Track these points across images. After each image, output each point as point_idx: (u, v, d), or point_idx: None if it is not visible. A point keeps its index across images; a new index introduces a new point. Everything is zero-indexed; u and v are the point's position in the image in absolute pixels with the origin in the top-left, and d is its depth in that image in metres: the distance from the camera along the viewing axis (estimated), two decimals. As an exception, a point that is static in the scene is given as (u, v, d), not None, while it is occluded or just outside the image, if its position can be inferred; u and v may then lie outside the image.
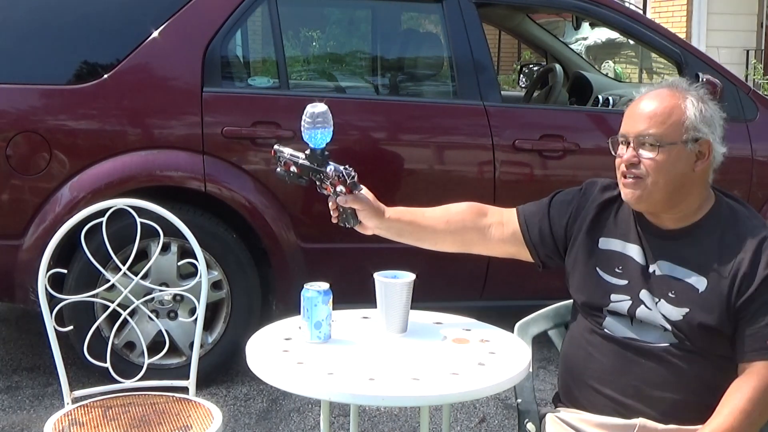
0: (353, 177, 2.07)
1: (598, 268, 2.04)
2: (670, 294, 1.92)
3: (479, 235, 2.19)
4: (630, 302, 1.97)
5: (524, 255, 2.19)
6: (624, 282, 1.99)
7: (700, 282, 1.90)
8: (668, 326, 1.92)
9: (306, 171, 2.08)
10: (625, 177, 1.96)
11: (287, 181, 2.12)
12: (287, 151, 2.10)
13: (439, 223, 2.18)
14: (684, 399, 1.92)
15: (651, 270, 1.97)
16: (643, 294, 1.96)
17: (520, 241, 2.17)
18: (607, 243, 2.04)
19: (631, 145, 1.94)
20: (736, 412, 1.81)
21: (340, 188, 2.07)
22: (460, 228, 2.18)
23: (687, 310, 1.90)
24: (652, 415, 1.93)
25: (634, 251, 2.00)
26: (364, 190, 2.11)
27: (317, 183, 2.10)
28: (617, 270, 2.01)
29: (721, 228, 1.94)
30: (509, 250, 2.20)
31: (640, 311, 1.96)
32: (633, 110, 1.97)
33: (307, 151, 2.07)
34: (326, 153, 2.06)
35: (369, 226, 2.13)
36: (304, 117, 2.04)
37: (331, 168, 2.06)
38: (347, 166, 2.08)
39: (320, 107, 2.04)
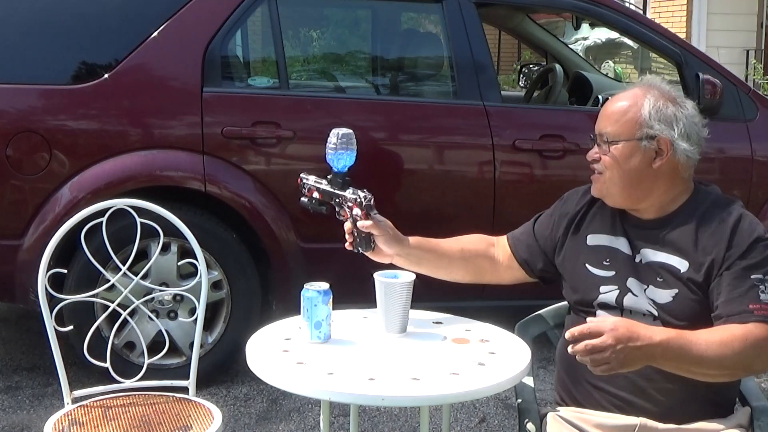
0: (369, 200, 2.10)
1: (587, 264, 2.09)
2: (658, 279, 1.98)
3: (490, 263, 2.26)
4: (617, 291, 2.02)
5: (527, 277, 2.26)
6: (611, 273, 2.05)
7: (682, 264, 1.97)
8: (655, 312, 1.96)
9: (327, 196, 2.13)
10: (593, 173, 2.09)
11: (310, 209, 2.17)
12: (312, 178, 2.16)
13: (455, 251, 2.23)
14: (677, 390, 1.95)
15: (637, 259, 2.03)
16: (630, 282, 2.01)
17: (515, 262, 2.24)
18: (595, 239, 2.11)
19: (596, 141, 2.06)
20: (704, 339, 1.83)
21: (356, 211, 2.09)
22: (473, 256, 2.24)
23: (676, 291, 1.95)
24: (651, 409, 1.96)
25: (621, 243, 2.07)
26: (383, 219, 2.15)
27: (336, 209, 2.14)
28: (605, 263, 2.06)
29: (700, 214, 2.00)
30: (515, 275, 2.26)
31: (627, 299, 2.01)
32: (601, 110, 2.08)
33: (330, 176, 2.12)
34: (347, 178, 2.12)
35: (389, 252, 2.15)
36: (329, 139, 2.10)
37: (349, 191, 2.10)
38: (365, 190, 2.12)
39: (345, 130, 2.10)
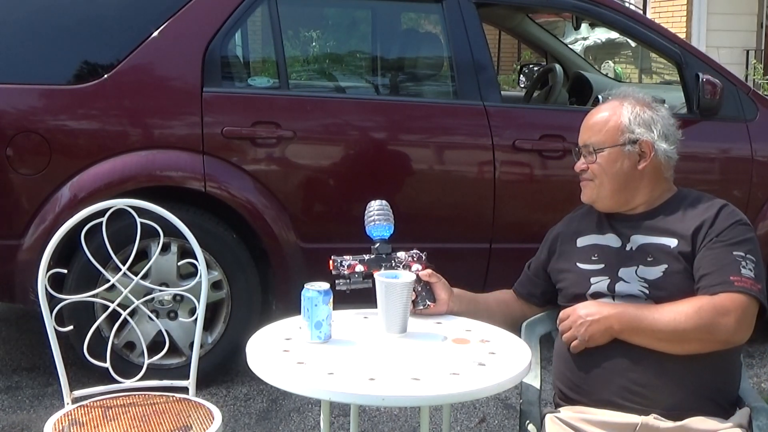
0: (425, 253, 2.21)
1: (578, 263, 2.19)
2: (648, 259, 2.09)
3: (520, 313, 2.38)
4: (609, 281, 2.12)
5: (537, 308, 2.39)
6: (601, 266, 2.15)
7: (671, 241, 2.09)
8: (646, 291, 2.06)
9: (374, 264, 2.20)
10: (581, 182, 2.23)
11: (347, 289, 2.20)
12: (347, 257, 2.21)
13: (491, 302, 2.38)
14: (679, 388, 1.98)
15: (628, 248, 2.14)
16: (622, 272, 2.11)
17: (522, 302, 2.39)
18: (584, 240, 2.23)
19: (582, 153, 2.22)
20: (677, 310, 1.97)
21: (415, 267, 2.20)
22: (504, 308, 2.38)
23: (666, 266, 2.06)
24: (651, 404, 1.98)
25: (610, 239, 2.18)
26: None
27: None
28: (593, 258, 2.17)
29: (686, 203, 2.16)
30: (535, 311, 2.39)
31: (619, 286, 2.10)
32: (583, 124, 2.23)
33: (376, 246, 2.21)
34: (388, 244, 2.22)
35: (446, 298, 2.24)
36: (372, 214, 2.22)
37: (401, 253, 2.20)
38: (413, 249, 2.23)
39: (380, 203, 2.23)
